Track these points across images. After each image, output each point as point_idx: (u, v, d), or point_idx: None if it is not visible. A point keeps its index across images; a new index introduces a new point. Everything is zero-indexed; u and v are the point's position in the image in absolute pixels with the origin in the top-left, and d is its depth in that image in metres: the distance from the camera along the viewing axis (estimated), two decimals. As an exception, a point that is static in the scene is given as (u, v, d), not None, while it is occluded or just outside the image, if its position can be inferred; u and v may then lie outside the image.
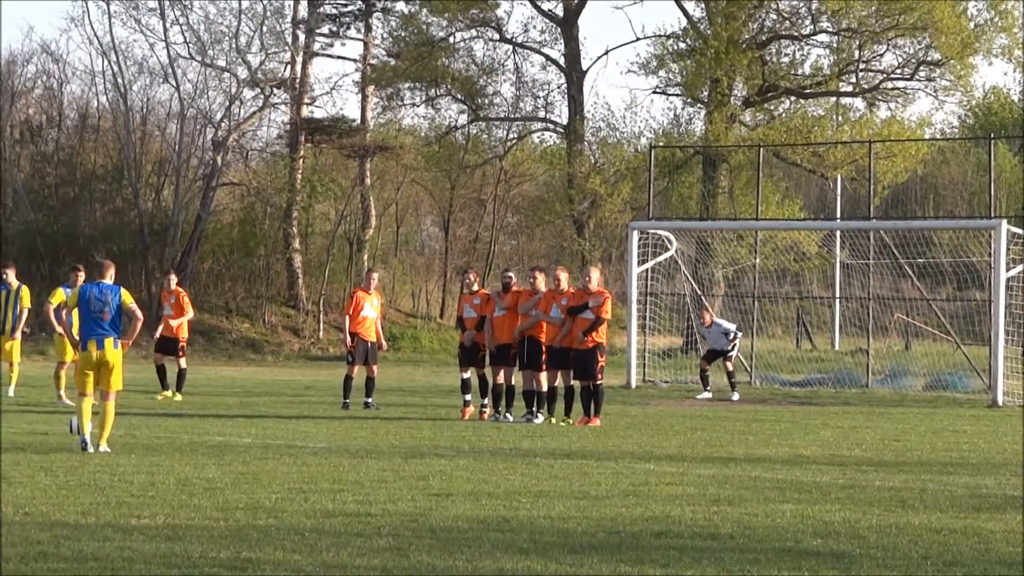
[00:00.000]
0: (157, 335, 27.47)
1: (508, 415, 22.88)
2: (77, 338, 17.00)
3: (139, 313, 17.37)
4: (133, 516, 11.63)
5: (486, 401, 23.36)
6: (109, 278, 17.05)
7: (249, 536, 10.77)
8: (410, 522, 11.55)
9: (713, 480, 14.88)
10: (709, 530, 11.40)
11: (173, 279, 27.88)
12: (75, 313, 17.27)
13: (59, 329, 24.71)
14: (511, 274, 23.43)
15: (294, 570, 9.53)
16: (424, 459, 16.45)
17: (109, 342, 16.75)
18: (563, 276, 22.63)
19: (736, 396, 29.84)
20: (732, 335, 29.97)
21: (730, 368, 30.20)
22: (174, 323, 26.88)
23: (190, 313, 27.46)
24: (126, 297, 16.98)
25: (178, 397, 26.29)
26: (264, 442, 18.20)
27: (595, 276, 22.74)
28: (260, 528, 11.17)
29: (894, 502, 13.18)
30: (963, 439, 20.92)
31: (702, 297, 36.24)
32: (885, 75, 49.50)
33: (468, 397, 23.51)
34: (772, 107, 50.73)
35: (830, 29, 49.34)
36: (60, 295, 24.60)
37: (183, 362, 27.02)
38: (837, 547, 10.69)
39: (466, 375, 23.55)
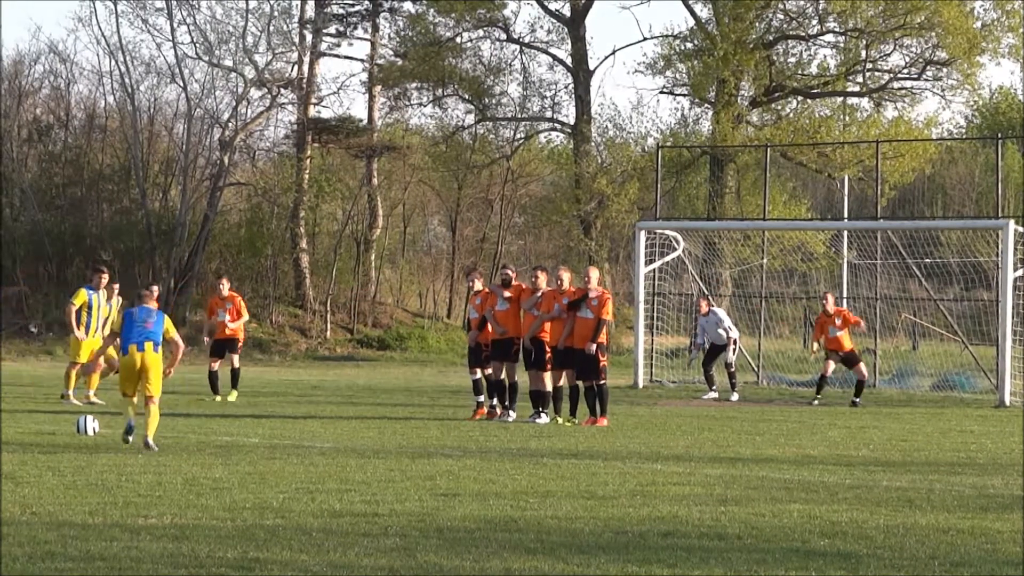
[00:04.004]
0: (207, 340, 27.15)
1: (511, 412, 22.86)
2: (117, 356, 17.33)
3: (180, 342, 17.72)
4: (140, 516, 11.64)
5: (494, 401, 23.34)
6: (152, 304, 17.57)
7: (256, 536, 10.78)
8: (417, 522, 11.55)
9: (720, 480, 14.87)
10: (716, 530, 11.40)
11: (226, 284, 27.57)
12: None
13: (77, 333, 24.62)
14: (509, 270, 23.37)
15: (301, 570, 9.54)
16: (431, 459, 16.45)
17: (149, 345, 17.12)
18: (566, 276, 22.60)
19: (735, 396, 29.75)
20: (728, 336, 29.73)
21: (732, 368, 30.07)
22: (232, 326, 26.78)
23: (246, 316, 27.53)
24: (169, 325, 17.43)
25: (233, 396, 26.26)
26: (271, 442, 18.20)
27: (595, 276, 22.75)
28: (267, 528, 11.18)
29: (901, 502, 13.17)
30: (970, 439, 20.91)
31: (704, 289, 36.14)
32: (892, 75, 49.46)
33: (481, 398, 23.48)
34: (779, 107, 50.70)
35: (837, 29, 49.33)
36: (83, 296, 24.51)
37: (236, 360, 26.97)
38: (844, 547, 10.69)
39: (476, 376, 23.52)
